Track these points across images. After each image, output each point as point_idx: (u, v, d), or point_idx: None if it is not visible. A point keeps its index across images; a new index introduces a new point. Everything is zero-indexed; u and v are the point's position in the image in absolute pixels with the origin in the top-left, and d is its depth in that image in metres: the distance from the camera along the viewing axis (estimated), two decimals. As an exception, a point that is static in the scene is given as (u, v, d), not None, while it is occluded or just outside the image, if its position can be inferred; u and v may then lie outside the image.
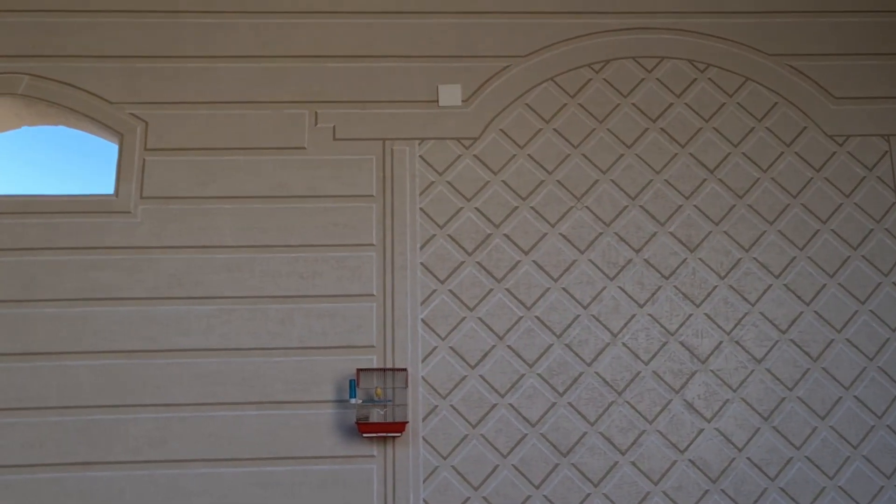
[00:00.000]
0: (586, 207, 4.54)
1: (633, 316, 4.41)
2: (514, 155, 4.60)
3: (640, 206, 4.56)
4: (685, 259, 4.49)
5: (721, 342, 4.38)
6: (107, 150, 4.68)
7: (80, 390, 4.10)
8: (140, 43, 4.63)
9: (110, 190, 4.44)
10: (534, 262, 4.45)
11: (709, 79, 4.76)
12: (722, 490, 4.19)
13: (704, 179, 4.61)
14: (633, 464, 4.20)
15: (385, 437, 4.13)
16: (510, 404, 4.25)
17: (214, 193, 4.43)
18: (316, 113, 4.59)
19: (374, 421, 4.11)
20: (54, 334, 4.16)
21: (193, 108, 4.55)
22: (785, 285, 4.48)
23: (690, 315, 4.41)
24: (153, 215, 4.39)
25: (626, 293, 4.43)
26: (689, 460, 4.22)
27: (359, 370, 4.17)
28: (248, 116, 4.56)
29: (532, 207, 4.53)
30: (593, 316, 4.40)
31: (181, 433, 4.08)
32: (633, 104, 4.70)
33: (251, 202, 4.44)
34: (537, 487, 4.14)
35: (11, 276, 4.24)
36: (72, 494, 3.97)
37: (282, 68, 4.63)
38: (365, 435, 4.06)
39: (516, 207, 4.52)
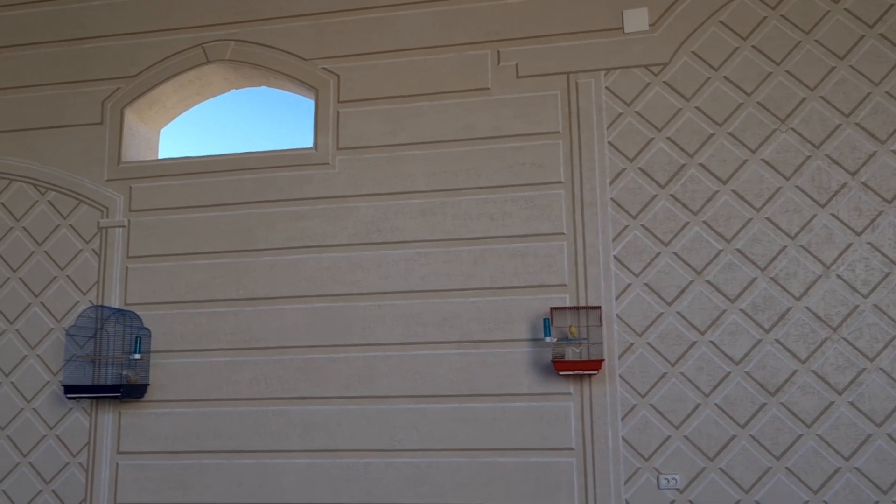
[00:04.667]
0: (792, 129, 4.18)
1: (850, 245, 4.05)
2: (709, 78, 4.30)
3: (856, 124, 4.12)
4: (911, 180, 4.03)
5: (957, 271, 3.92)
6: (305, 106, 4.95)
7: (297, 332, 4.46)
8: (327, -1, 4.81)
9: (310, 143, 4.71)
10: (733, 191, 4.19)
11: (940, -29, 4.15)
12: (958, 433, 3.81)
13: (935, 88, 4.07)
14: (852, 404, 3.92)
15: (581, 375, 4.14)
16: (711, 341, 4.09)
17: (404, 140, 4.56)
18: (498, 52, 4.55)
19: (569, 359, 4.13)
20: (270, 281, 4.55)
21: (379, 58, 4.67)
22: None
23: (918, 242, 3.97)
24: (349, 165, 4.61)
25: (839, 220, 4.07)
26: (918, 401, 3.86)
27: (552, 309, 4.19)
28: (432, 61, 4.61)
29: (730, 133, 4.24)
30: (802, 246, 4.09)
31: (387, 371, 4.34)
32: (846, 9, 4.21)
33: (439, 146, 4.52)
34: (743, 427, 3.99)
35: (232, 228, 4.65)
36: (296, 425, 4.38)
37: (461, 10, 4.62)
38: (561, 373, 4.10)
39: (712, 134, 4.25)
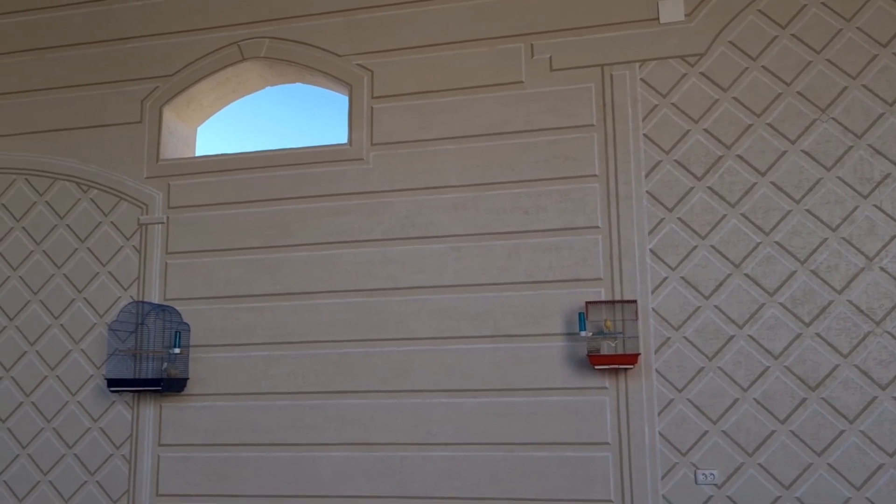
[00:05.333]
0: (832, 119, 4.09)
1: (894, 237, 3.95)
2: (747, 68, 4.23)
3: (900, 113, 4.02)
4: (958, 169, 3.92)
5: None
6: (339, 102, 4.98)
7: (332, 326, 4.50)
8: (360, -5, 4.82)
9: (344, 139, 4.74)
10: (772, 183, 4.12)
11: None
12: None
13: (983, 75, 3.95)
14: (896, 399, 3.84)
15: (617, 370, 4.11)
16: (750, 336, 4.03)
17: (437, 135, 4.57)
18: (532, 45, 4.52)
19: (605, 353, 4.10)
20: (306, 276, 4.59)
21: (412, 54, 4.68)
22: None
23: (965, 233, 3.87)
24: (384, 160, 4.62)
25: (882, 211, 3.98)
26: (965, 396, 3.77)
27: (587, 303, 4.17)
28: (465, 56, 4.60)
29: (768, 124, 4.17)
30: (844, 238, 4.00)
31: (422, 365, 4.35)
32: (890, -5, 4.12)
33: (472, 141, 4.52)
34: (783, 422, 3.93)
35: (267, 224, 4.70)
36: (332, 419, 4.42)
37: (494, 3, 4.61)
38: (597, 367, 4.08)
39: (750, 125, 4.19)
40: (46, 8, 5.26)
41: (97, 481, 4.67)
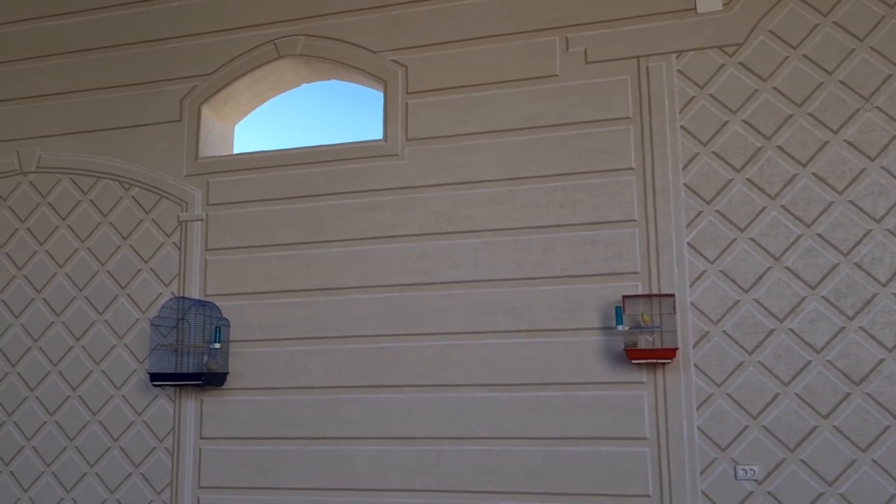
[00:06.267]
0: (876, 108, 4.00)
1: (941, 228, 3.86)
2: (787, 57, 4.15)
3: (947, 101, 3.91)
4: None
5: None
6: (373, 98, 4.99)
7: (368, 321, 4.54)
8: (394, -10, 4.84)
9: (379, 135, 4.76)
10: (813, 174, 4.04)
11: None
12: None
13: None
14: (943, 394, 3.74)
15: (655, 364, 4.07)
16: (791, 329, 3.96)
17: (472, 130, 4.56)
18: (566, 38, 4.49)
19: (642, 347, 4.07)
20: (342, 271, 4.63)
21: (447, 48, 4.68)
22: None
23: None
24: (418, 156, 4.64)
25: (930, 202, 3.88)
26: None
27: (624, 297, 4.13)
28: (499, 50, 4.59)
29: (809, 114, 4.08)
30: (888, 230, 3.91)
31: (458, 360, 4.36)
32: (936, -21, 4.00)
33: (507, 135, 4.50)
34: (825, 418, 3.86)
35: (304, 220, 4.75)
36: (370, 412, 4.45)
37: (529, -4, 4.59)
38: (634, 361, 4.05)
39: (790, 115, 4.11)
40: (88, 10, 5.37)
41: (141, 473, 4.77)
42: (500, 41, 4.60)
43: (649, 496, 4.01)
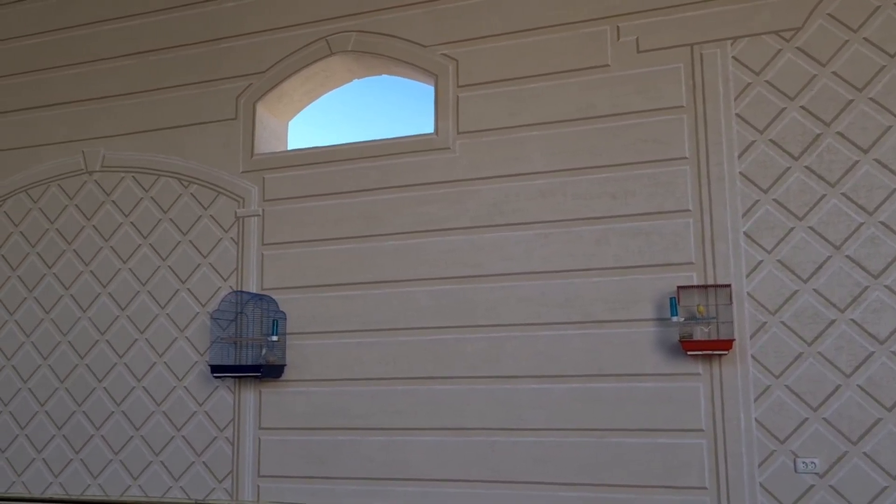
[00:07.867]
0: (942, 91, 3.87)
1: None
2: (847, 41, 4.05)
3: None
4: None
5: None
6: (424, 92, 5.02)
7: (422, 314, 4.58)
8: (444, -16, 4.85)
9: (430, 129, 4.79)
10: (875, 160, 3.94)
11: None
12: None
13: None
14: None
15: (710, 355, 4.03)
16: (852, 319, 3.87)
17: (523, 122, 4.56)
18: (617, 27, 4.45)
19: (698, 339, 4.03)
20: (396, 264, 4.68)
21: (497, 41, 4.68)
22: None
23: None
24: (470, 149, 4.65)
25: None
26: None
27: (679, 288, 4.09)
28: (549, 41, 4.57)
29: (871, 98, 3.98)
30: (956, 217, 3.79)
31: (512, 352, 4.38)
32: None
33: (558, 127, 4.49)
34: (889, 410, 3.77)
35: (357, 214, 4.81)
36: (424, 404, 4.50)
37: (579, -14, 4.55)
38: (689, 353, 4.01)
39: (851, 101, 4.01)
40: (146, 13, 5.51)
41: (203, 462, 4.91)
42: (550, 32, 4.58)
43: (706, 488, 3.97)
